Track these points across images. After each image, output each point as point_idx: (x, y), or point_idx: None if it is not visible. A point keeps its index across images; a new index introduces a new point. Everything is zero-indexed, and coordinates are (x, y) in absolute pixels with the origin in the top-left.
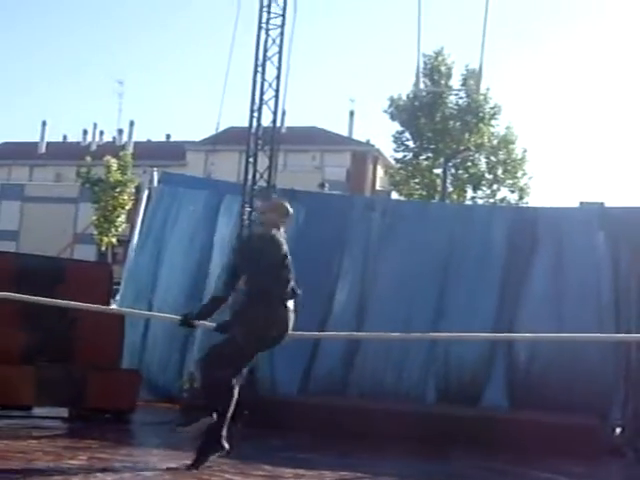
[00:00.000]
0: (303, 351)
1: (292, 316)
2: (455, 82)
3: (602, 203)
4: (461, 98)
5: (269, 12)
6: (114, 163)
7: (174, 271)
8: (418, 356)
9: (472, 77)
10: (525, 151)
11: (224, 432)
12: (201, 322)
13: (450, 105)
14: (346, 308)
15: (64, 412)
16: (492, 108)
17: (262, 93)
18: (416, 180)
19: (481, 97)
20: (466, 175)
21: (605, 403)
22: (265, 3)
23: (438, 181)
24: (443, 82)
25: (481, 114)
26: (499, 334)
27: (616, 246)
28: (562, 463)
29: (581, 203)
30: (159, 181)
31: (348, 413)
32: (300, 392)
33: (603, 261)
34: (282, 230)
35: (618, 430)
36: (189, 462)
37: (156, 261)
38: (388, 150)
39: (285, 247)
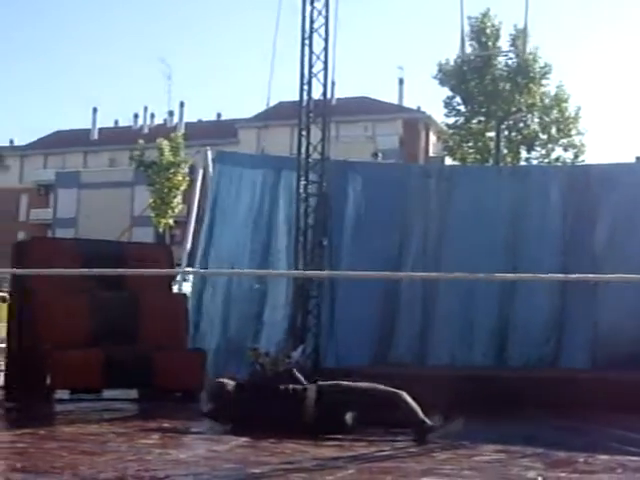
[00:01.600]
0: (374, 324)
1: None
2: (503, 43)
3: None
4: (510, 59)
5: None
6: (166, 145)
7: (240, 253)
8: (486, 323)
9: (521, 37)
10: (579, 109)
11: None
12: None
13: (499, 67)
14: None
15: (134, 394)
16: (542, 67)
17: (311, 66)
18: (469, 144)
19: (530, 57)
20: (519, 136)
21: None
22: None
23: (491, 144)
24: (490, 44)
25: (531, 74)
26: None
27: None
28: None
29: (637, 158)
30: (214, 161)
31: (421, 382)
32: (373, 363)
33: None
34: None
35: None
36: None
37: (222, 244)
38: (440, 116)
39: None
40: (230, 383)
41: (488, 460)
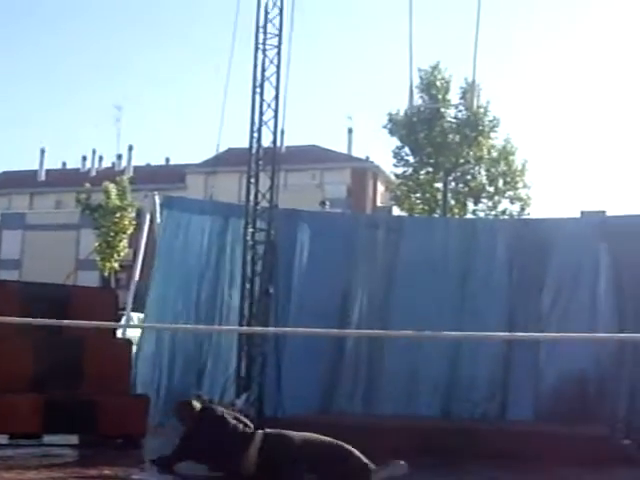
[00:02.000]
0: (320, 372)
1: None
2: (453, 95)
3: (604, 212)
4: (460, 112)
5: (265, 32)
6: (112, 188)
7: (187, 299)
8: (432, 376)
9: (470, 90)
10: (525, 162)
11: None
12: None
13: (449, 119)
14: (360, 326)
15: (74, 439)
16: (491, 121)
17: (261, 114)
18: (417, 195)
19: (480, 110)
20: (466, 188)
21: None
22: (261, 24)
23: (439, 195)
24: (440, 96)
25: (480, 127)
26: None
27: (616, 256)
28: (571, 472)
29: (582, 212)
30: (161, 205)
31: (366, 431)
32: (317, 413)
33: (604, 272)
34: None
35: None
36: None
37: (170, 290)
38: (388, 166)
39: None
40: (197, 404)
41: None
